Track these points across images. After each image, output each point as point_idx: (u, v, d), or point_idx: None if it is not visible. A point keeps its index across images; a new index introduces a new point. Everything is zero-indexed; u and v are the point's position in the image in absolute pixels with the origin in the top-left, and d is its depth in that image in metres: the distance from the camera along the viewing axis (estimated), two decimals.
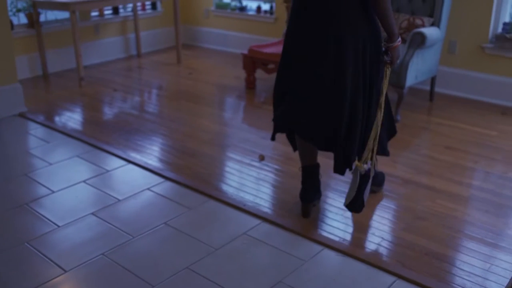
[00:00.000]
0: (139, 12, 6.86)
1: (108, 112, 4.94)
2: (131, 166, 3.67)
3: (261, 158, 3.78)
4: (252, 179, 3.50)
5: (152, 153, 3.90)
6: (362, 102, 2.80)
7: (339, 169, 2.94)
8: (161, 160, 3.80)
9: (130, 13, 6.78)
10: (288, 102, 2.89)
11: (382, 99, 2.80)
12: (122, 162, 3.73)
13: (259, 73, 5.45)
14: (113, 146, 3.99)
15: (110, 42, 6.66)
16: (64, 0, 5.38)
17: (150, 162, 3.73)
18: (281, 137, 4.18)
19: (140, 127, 4.42)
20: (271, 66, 5.18)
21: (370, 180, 2.83)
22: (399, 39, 2.80)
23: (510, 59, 4.90)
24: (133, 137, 4.20)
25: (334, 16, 2.68)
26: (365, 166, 2.78)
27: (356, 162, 2.80)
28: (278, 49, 5.32)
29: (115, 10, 6.67)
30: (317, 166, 3.12)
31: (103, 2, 5.71)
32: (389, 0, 2.65)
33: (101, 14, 6.51)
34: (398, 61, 2.82)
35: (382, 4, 2.63)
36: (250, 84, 5.37)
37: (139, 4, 6.83)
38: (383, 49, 2.81)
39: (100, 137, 4.20)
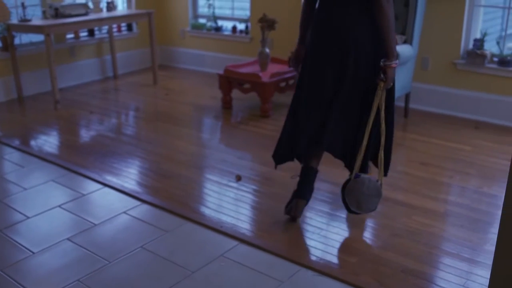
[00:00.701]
0: (115, 34, 6.85)
1: (84, 135, 4.91)
2: (107, 189, 3.65)
3: (238, 178, 3.78)
4: (229, 200, 3.49)
5: (128, 176, 3.87)
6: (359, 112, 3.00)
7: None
8: (137, 183, 3.77)
9: (106, 35, 6.77)
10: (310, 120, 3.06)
11: (377, 115, 2.97)
12: (98, 186, 3.70)
13: (235, 93, 5.47)
14: (89, 170, 3.96)
15: (86, 64, 6.64)
16: (38, 23, 5.37)
17: (126, 185, 3.71)
18: (258, 156, 4.20)
19: (117, 149, 4.40)
20: (247, 86, 5.21)
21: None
22: (397, 60, 2.88)
23: (481, 75, 4.99)
24: (110, 160, 4.17)
25: (346, 27, 2.87)
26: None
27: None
28: (254, 69, 5.37)
29: (91, 32, 6.66)
30: (316, 171, 3.21)
31: (78, 24, 5.70)
32: (392, 21, 2.78)
33: (77, 37, 6.49)
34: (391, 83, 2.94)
35: (385, 23, 2.77)
36: (227, 104, 5.39)
37: (114, 25, 6.83)
38: (381, 65, 2.87)
39: (76, 160, 4.17)
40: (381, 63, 2.87)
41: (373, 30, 2.85)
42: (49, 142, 4.66)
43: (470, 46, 5.07)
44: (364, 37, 2.88)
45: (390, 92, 3.03)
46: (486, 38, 5.01)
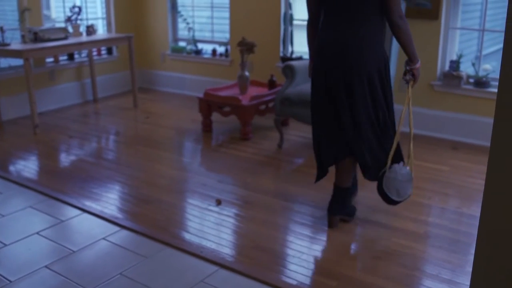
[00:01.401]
0: (95, 57, 6.85)
1: (64, 160, 4.87)
2: (86, 215, 3.61)
3: (218, 202, 3.77)
4: (210, 224, 3.48)
5: (108, 201, 3.85)
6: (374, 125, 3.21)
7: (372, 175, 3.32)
8: (117, 208, 3.75)
9: (86, 59, 6.76)
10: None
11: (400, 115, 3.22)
12: (77, 212, 3.66)
13: (215, 116, 5.48)
14: (68, 195, 3.93)
15: (65, 87, 6.62)
16: (17, 47, 5.35)
17: (105, 210, 3.68)
18: (239, 180, 4.21)
19: (96, 174, 4.37)
20: (227, 109, 5.23)
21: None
22: (419, 61, 3.19)
23: (458, 96, 5.07)
24: (89, 185, 4.14)
25: (352, 42, 3.04)
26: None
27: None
28: (234, 92, 5.40)
29: (71, 56, 6.65)
30: (346, 189, 3.39)
31: (57, 49, 5.69)
32: (409, 33, 3.04)
33: (56, 60, 6.48)
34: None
35: (403, 37, 3.03)
36: (207, 127, 5.39)
37: (94, 49, 6.83)
38: (407, 68, 3.18)
39: (54, 186, 4.13)
40: (407, 68, 3.18)
41: (379, 45, 3.10)
42: (28, 167, 4.62)
43: (446, 67, 5.15)
44: (370, 53, 3.07)
45: (389, 92, 3.27)
46: (462, 59, 5.10)
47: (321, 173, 3.41)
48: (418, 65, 3.19)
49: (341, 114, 3.16)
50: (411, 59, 3.17)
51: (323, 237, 3.31)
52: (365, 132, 3.20)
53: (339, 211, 3.39)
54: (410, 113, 3.22)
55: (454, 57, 5.16)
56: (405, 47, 3.10)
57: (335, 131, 3.23)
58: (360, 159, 3.26)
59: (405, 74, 3.21)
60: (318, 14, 3.21)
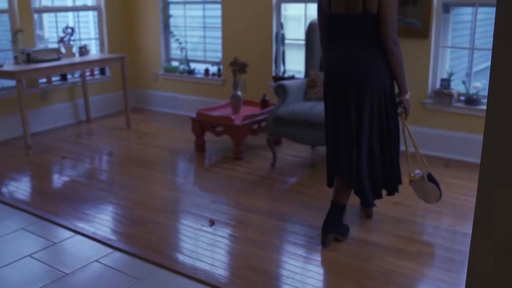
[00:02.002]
0: (88, 78, 6.86)
1: (56, 181, 4.86)
2: (79, 237, 3.60)
3: (212, 223, 3.76)
4: (203, 245, 3.47)
5: (101, 223, 3.83)
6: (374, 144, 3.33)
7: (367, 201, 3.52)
8: (110, 230, 3.74)
9: (79, 79, 6.77)
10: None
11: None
12: (70, 233, 3.65)
13: (208, 136, 5.49)
14: (60, 217, 3.91)
15: (58, 108, 6.62)
16: (10, 69, 5.35)
17: (98, 232, 3.66)
18: (232, 200, 4.21)
19: (89, 195, 4.36)
20: (219, 128, 5.24)
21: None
22: (408, 92, 3.34)
23: (449, 113, 5.10)
24: (82, 206, 4.13)
25: (352, 64, 3.21)
26: (417, 172, 3.60)
27: (409, 176, 3.60)
28: (226, 112, 5.42)
29: (63, 77, 6.65)
30: (341, 206, 3.46)
31: (50, 70, 5.70)
32: (401, 61, 3.18)
33: (49, 81, 6.48)
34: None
35: (394, 63, 3.18)
36: (200, 147, 5.40)
37: (87, 69, 6.84)
38: (397, 100, 3.34)
39: (47, 207, 4.11)
40: (397, 99, 3.33)
41: (380, 67, 3.20)
42: (20, 188, 4.60)
43: (437, 86, 5.19)
44: (369, 75, 3.19)
45: (396, 113, 3.39)
46: (453, 77, 5.14)
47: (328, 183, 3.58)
48: (407, 96, 3.34)
49: (340, 132, 3.31)
50: (400, 90, 3.31)
51: (317, 257, 3.30)
52: (357, 152, 3.29)
53: (332, 229, 3.41)
54: (415, 145, 3.54)
55: (445, 75, 5.20)
56: (396, 74, 3.23)
57: (336, 147, 3.38)
58: (344, 178, 3.37)
59: (397, 106, 3.36)
60: (327, 34, 3.38)
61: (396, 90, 3.36)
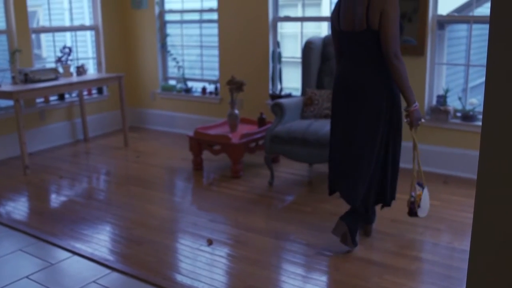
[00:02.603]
0: (85, 97, 6.88)
1: (54, 201, 4.85)
2: (76, 257, 3.58)
3: (209, 242, 3.75)
4: (201, 265, 3.46)
5: (98, 243, 3.82)
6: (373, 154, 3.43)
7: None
8: (108, 250, 3.72)
9: (76, 98, 6.79)
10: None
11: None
12: (67, 254, 3.63)
13: (206, 154, 5.49)
14: (58, 237, 3.90)
15: (56, 127, 6.62)
16: (7, 89, 5.36)
17: (96, 252, 3.65)
18: (230, 219, 4.20)
19: (87, 215, 4.34)
20: (216, 147, 5.25)
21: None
22: (416, 103, 3.41)
23: (446, 130, 5.12)
24: (79, 226, 4.12)
25: (356, 78, 3.39)
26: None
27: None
28: (224, 130, 5.43)
29: (61, 96, 6.67)
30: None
31: (48, 90, 5.72)
32: (404, 74, 3.28)
33: (47, 101, 6.49)
34: (419, 122, 3.51)
35: (397, 77, 3.28)
36: (198, 166, 5.40)
37: (85, 89, 6.85)
38: (404, 113, 3.43)
39: (45, 228, 4.10)
40: (404, 111, 3.42)
41: (385, 83, 3.36)
42: (17, 209, 4.59)
43: (434, 102, 5.21)
44: (373, 89, 3.35)
45: (398, 126, 3.51)
46: (449, 94, 5.17)
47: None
48: (413, 107, 3.40)
49: (342, 144, 3.50)
50: (406, 101, 3.40)
51: (316, 276, 3.29)
52: (357, 164, 3.45)
53: (348, 220, 3.51)
54: (418, 157, 3.61)
55: (441, 92, 5.23)
56: (401, 87, 3.35)
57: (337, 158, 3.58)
58: (342, 192, 3.58)
59: (406, 117, 3.47)
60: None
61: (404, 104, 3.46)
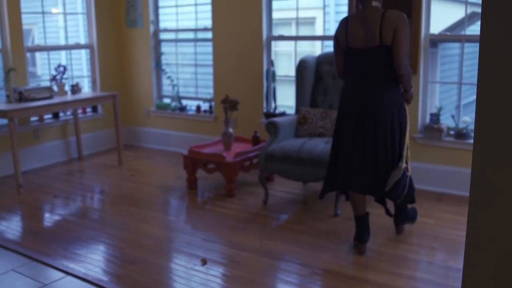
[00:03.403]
0: (80, 115, 6.88)
1: (47, 220, 4.83)
2: (70, 278, 3.56)
3: (204, 262, 3.74)
4: (195, 285, 3.44)
5: (92, 263, 3.80)
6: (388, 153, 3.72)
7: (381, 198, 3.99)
8: (101, 270, 3.70)
9: (71, 117, 6.79)
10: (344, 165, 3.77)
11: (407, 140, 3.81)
12: (61, 274, 3.61)
13: (200, 173, 5.49)
14: (51, 257, 3.88)
15: (50, 146, 6.61)
16: (2, 107, 5.36)
17: (90, 273, 3.63)
18: (224, 238, 4.19)
19: (80, 235, 4.33)
20: (211, 166, 5.25)
21: (408, 178, 3.82)
22: (412, 86, 3.77)
23: (439, 148, 5.14)
24: (73, 246, 4.10)
25: (370, 92, 3.65)
26: (403, 165, 3.73)
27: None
28: (218, 149, 5.44)
29: (55, 115, 6.67)
30: (367, 214, 3.88)
31: (42, 108, 5.72)
32: (411, 74, 3.67)
33: (41, 119, 6.49)
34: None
35: (407, 79, 3.64)
36: (192, 184, 5.40)
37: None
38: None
39: (38, 248, 4.08)
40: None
41: (393, 94, 3.66)
42: (11, 228, 4.57)
43: (427, 120, 5.24)
44: (385, 99, 3.63)
45: (405, 127, 3.78)
46: (442, 111, 5.20)
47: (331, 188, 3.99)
48: (411, 91, 3.79)
49: (355, 150, 3.70)
50: (406, 90, 3.76)
51: None
52: (373, 165, 3.72)
53: (367, 238, 3.84)
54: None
55: (434, 110, 5.26)
56: (405, 86, 3.73)
57: (351, 161, 3.76)
58: (361, 191, 3.82)
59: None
60: (345, 66, 3.82)
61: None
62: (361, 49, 3.62)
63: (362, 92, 3.68)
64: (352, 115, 3.71)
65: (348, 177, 3.78)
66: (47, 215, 4.96)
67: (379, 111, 3.63)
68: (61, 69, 6.34)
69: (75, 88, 6.38)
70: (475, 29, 5.80)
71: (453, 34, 5.43)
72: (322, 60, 5.27)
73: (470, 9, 5.48)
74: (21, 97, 5.67)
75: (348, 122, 3.74)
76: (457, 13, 6.08)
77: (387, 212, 4.08)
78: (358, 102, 3.68)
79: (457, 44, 5.53)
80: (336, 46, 3.80)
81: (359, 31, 3.59)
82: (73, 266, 3.73)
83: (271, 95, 6.23)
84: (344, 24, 3.71)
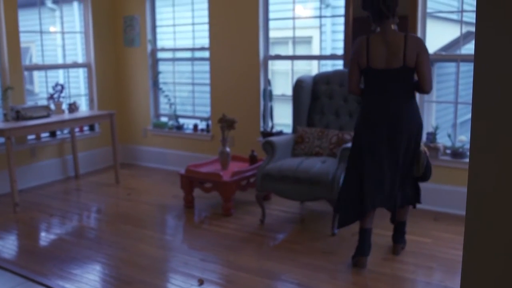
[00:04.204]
0: (77, 134, 6.89)
1: (43, 240, 4.81)
2: None
3: (200, 282, 3.72)
4: None
5: (88, 283, 3.78)
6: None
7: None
8: None
9: (68, 135, 6.80)
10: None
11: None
12: None
13: (197, 192, 5.48)
14: (47, 277, 3.86)
15: (47, 164, 6.61)
16: None
17: None
18: (221, 258, 4.17)
19: (76, 254, 4.30)
20: (208, 185, 5.25)
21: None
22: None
23: (436, 167, 5.11)
24: (69, 265, 4.08)
25: (395, 110, 3.82)
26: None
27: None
28: (215, 168, 5.44)
29: (52, 133, 6.67)
30: (371, 229, 3.98)
31: (39, 127, 5.73)
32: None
33: (38, 138, 6.50)
34: None
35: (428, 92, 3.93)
36: (189, 203, 5.39)
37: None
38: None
39: (34, 267, 4.05)
40: None
41: (416, 112, 3.88)
42: (6, 247, 4.54)
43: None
44: (410, 116, 3.83)
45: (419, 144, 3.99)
46: (438, 131, 5.22)
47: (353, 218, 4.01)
48: None
49: (382, 165, 3.86)
50: None
51: None
52: (397, 178, 3.91)
53: (369, 251, 3.95)
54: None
55: (431, 129, 5.28)
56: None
57: (373, 179, 3.88)
58: (391, 207, 3.98)
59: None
60: (359, 83, 3.98)
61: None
62: (383, 70, 3.80)
63: (388, 111, 3.83)
64: (383, 134, 3.83)
65: (378, 197, 3.90)
66: (43, 234, 4.94)
67: (409, 127, 3.84)
68: (59, 87, 6.36)
69: (73, 107, 6.39)
70: (470, 47, 5.85)
71: (448, 54, 5.46)
72: (318, 79, 5.30)
73: (465, 29, 5.54)
74: (19, 116, 5.67)
75: (379, 140, 3.85)
76: (452, 32, 6.13)
77: (393, 219, 4.20)
78: (388, 121, 3.82)
79: (453, 63, 5.56)
80: (353, 64, 3.92)
81: (382, 53, 3.79)
82: (69, 286, 3.71)
83: (268, 114, 6.25)
84: (364, 45, 3.83)
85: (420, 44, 3.80)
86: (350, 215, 3.95)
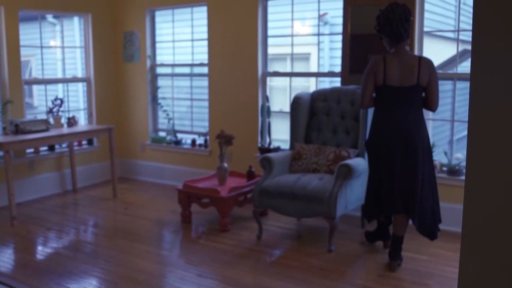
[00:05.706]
0: (76, 148, 6.91)
1: (40, 254, 4.81)
2: None
3: None
4: None
5: None
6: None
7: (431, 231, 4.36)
8: None
9: (66, 149, 6.81)
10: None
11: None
12: None
13: (195, 207, 5.49)
14: None
15: (45, 178, 6.62)
16: None
17: None
18: (218, 274, 4.17)
19: (73, 269, 4.30)
20: (205, 200, 5.26)
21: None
22: None
23: None
24: (65, 280, 4.08)
25: (408, 123, 4.13)
26: None
27: None
28: (212, 183, 5.46)
29: (51, 147, 6.69)
30: (403, 237, 4.27)
31: (38, 141, 5.75)
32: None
33: (37, 151, 6.51)
34: None
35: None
36: (186, 219, 5.40)
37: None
38: None
39: (30, 281, 4.06)
40: None
41: (424, 127, 4.18)
42: (2, 261, 4.54)
43: None
44: (421, 130, 4.13)
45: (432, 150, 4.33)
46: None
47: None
48: None
49: (398, 175, 4.12)
50: None
51: None
52: (419, 189, 4.15)
53: (399, 256, 4.23)
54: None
55: None
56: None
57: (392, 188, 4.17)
58: (411, 214, 4.19)
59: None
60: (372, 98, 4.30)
61: None
62: (397, 87, 4.12)
63: (402, 125, 4.13)
64: (396, 146, 4.12)
65: (397, 203, 4.19)
66: (40, 248, 4.94)
67: (419, 138, 4.12)
68: (58, 102, 6.39)
69: (72, 121, 6.42)
70: (467, 65, 5.89)
71: (445, 72, 5.51)
72: (316, 96, 5.33)
73: (462, 47, 5.59)
74: (18, 130, 5.70)
75: (392, 152, 4.13)
76: (449, 50, 6.18)
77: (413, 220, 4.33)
78: (403, 132, 4.12)
79: (450, 81, 5.60)
80: (368, 80, 4.21)
81: (397, 72, 4.11)
82: None
83: (266, 130, 6.28)
84: (381, 64, 4.15)
85: (432, 66, 4.14)
86: (373, 209, 4.36)
